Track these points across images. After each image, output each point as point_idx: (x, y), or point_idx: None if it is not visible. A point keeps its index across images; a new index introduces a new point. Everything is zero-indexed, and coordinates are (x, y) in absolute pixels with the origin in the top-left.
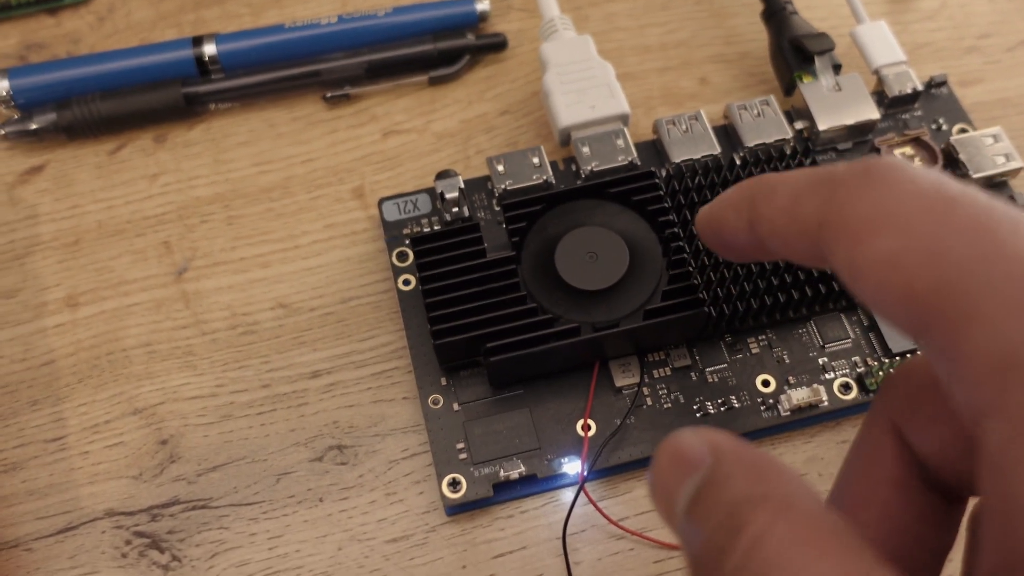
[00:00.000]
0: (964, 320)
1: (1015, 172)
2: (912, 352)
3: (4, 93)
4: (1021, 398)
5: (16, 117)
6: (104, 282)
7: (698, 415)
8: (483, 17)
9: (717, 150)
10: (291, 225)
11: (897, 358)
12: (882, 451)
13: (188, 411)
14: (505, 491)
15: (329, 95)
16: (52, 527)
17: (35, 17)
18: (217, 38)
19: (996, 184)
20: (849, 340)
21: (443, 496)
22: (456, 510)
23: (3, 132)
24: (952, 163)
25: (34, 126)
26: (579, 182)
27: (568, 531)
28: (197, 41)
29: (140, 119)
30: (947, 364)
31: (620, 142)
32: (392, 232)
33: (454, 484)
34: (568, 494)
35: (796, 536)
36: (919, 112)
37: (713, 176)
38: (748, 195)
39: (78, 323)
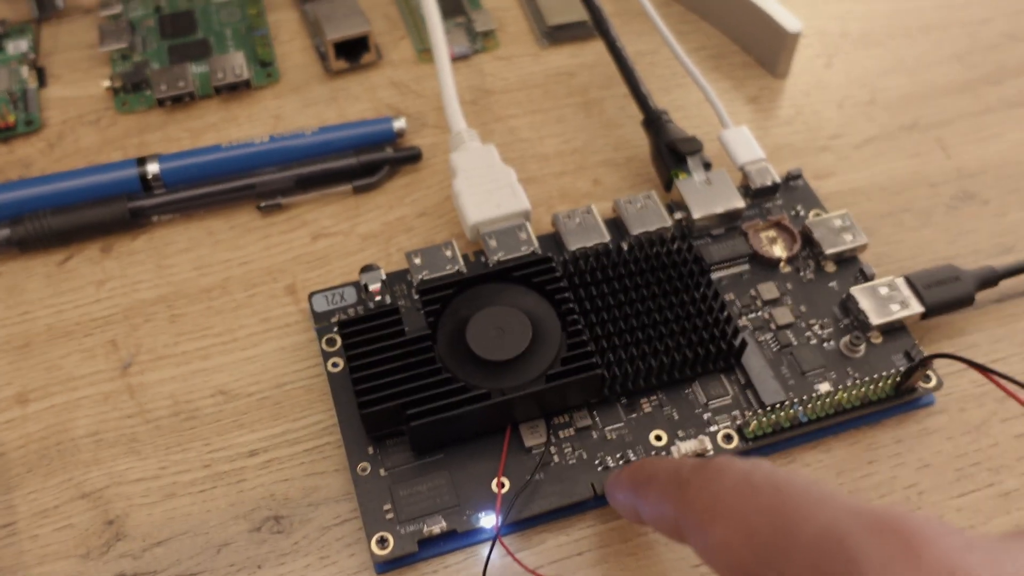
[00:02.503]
0: None
1: (862, 248)
2: (782, 403)
3: None
4: None
5: None
6: (53, 379)
7: (599, 468)
8: (400, 133)
9: (607, 238)
10: (229, 320)
11: (770, 408)
12: None
13: (133, 493)
14: (429, 547)
15: (263, 205)
16: None
17: None
18: (160, 158)
19: (847, 259)
20: (729, 397)
21: (373, 554)
22: (385, 567)
23: None
24: (808, 243)
25: None
26: (486, 270)
27: None
28: (141, 161)
29: (88, 232)
30: None
31: (523, 234)
32: (321, 322)
33: (382, 542)
34: (486, 548)
35: None
36: (780, 201)
37: (604, 260)
38: (633, 486)
39: (28, 417)
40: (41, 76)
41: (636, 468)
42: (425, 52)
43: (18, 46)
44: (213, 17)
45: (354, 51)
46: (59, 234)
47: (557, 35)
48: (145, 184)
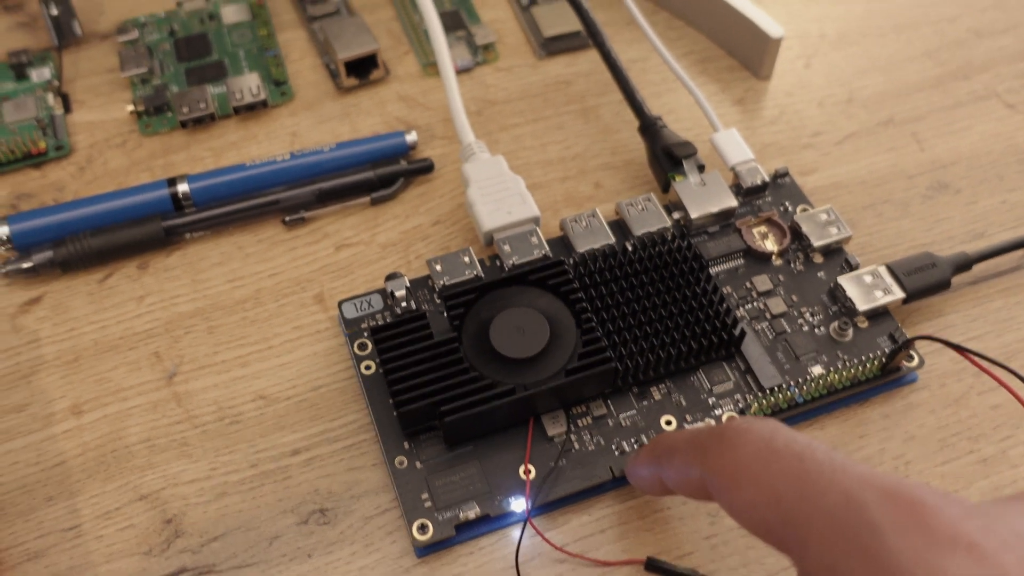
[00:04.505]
0: (801, 546)
1: (846, 240)
2: (779, 386)
3: (4, 237)
4: None
5: (13, 257)
6: (104, 391)
7: (616, 452)
8: (412, 146)
9: (612, 239)
10: (264, 329)
11: (768, 391)
12: None
13: (187, 493)
14: (465, 531)
15: (287, 219)
16: None
17: (22, 171)
18: (189, 178)
19: (833, 250)
20: (731, 382)
21: (414, 539)
22: (425, 551)
23: (4, 271)
24: (797, 236)
25: (31, 264)
26: (503, 274)
27: (520, 559)
28: (172, 182)
29: (125, 251)
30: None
31: (534, 239)
32: (352, 327)
33: (422, 528)
34: (517, 530)
35: None
36: (769, 198)
37: (610, 260)
38: (655, 459)
39: (84, 428)
40: (66, 102)
41: (655, 443)
42: (430, 66)
43: (41, 74)
44: (226, 39)
45: (363, 68)
46: (99, 254)
47: (553, 46)
48: (176, 203)
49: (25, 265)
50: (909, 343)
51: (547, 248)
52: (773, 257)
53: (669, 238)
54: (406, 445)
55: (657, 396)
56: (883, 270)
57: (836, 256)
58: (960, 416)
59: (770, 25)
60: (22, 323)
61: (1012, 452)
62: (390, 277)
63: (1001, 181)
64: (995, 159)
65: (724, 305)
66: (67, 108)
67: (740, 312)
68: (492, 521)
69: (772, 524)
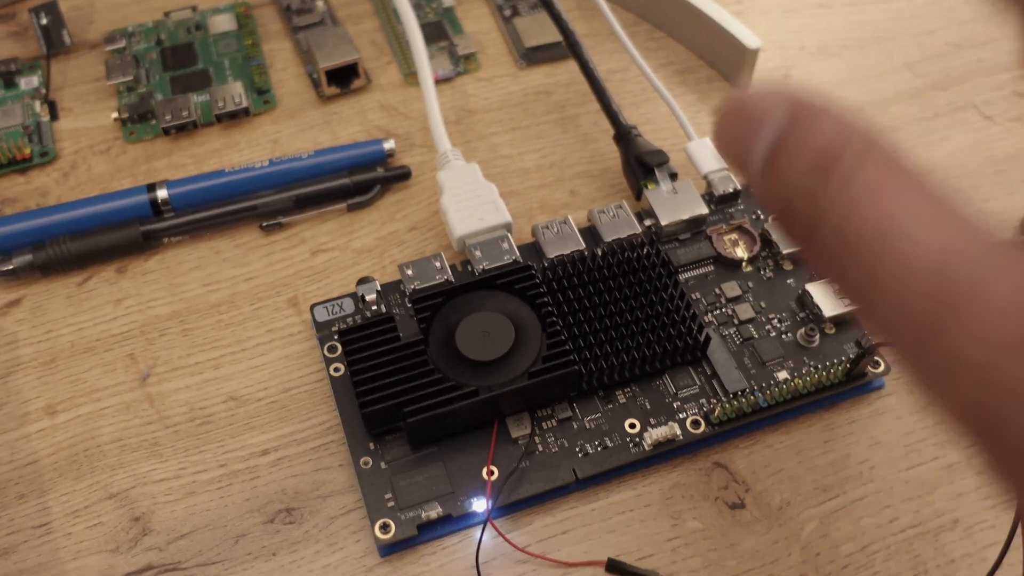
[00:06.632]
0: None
1: None
2: (744, 391)
3: None
4: None
5: None
6: (78, 391)
7: (580, 455)
8: (390, 154)
9: (582, 246)
10: (238, 332)
11: (733, 396)
12: None
13: (156, 492)
14: (428, 531)
15: (265, 224)
16: None
17: (7, 177)
18: (168, 184)
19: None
20: (696, 386)
21: (376, 538)
22: (388, 550)
23: None
24: (768, 244)
25: (11, 267)
26: (473, 278)
27: (481, 560)
28: (151, 187)
29: (104, 255)
30: None
31: (505, 245)
32: (323, 331)
33: (385, 527)
34: (480, 530)
35: (886, 168)
36: (741, 206)
37: (579, 266)
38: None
39: (57, 427)
40: (53, 109)
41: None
42: (411, 76)
43: (30, 82)
44: (212, 49)
45: (345, 77)
46: (78, 258)
47: (534, 56)
48: (155, 208)
49: (5, 268)
50: (872, 349)
51: (517, 253)
52: (743, 264)
53: (639, 244)
54: (371, 446)
55: (622, 400)
56: None
57: (801, 267)
58: (926, 423)
59: (747, 36)
60: (1, 325)
61: (977, 459)
62: (361, 281)
63: (977, 191)
64: (972, 170)
65: (691, 311)
66: (54, 115)
67: (708, 318)
68: (454, 521)
69: None
